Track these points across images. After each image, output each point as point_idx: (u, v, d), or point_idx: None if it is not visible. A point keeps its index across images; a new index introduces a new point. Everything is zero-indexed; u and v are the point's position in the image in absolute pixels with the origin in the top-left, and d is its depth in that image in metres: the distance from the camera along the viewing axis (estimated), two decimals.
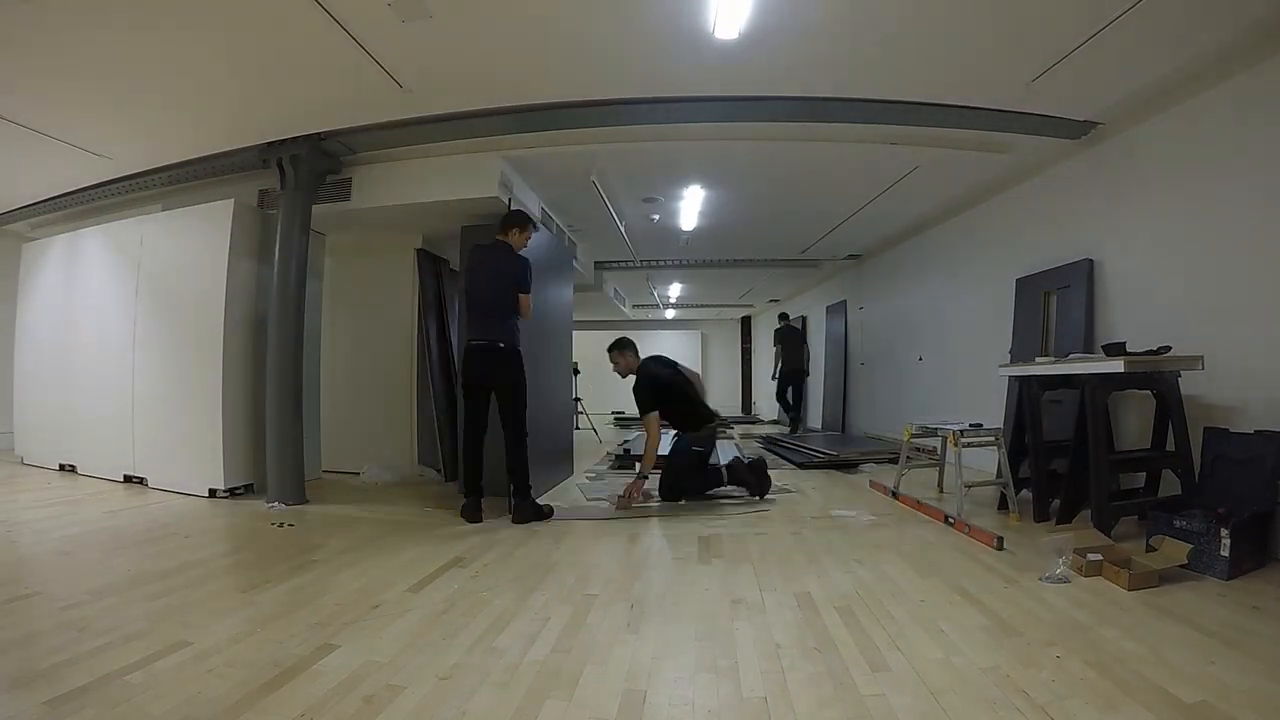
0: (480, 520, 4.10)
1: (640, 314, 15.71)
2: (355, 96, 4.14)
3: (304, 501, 4.65)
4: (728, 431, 11.26)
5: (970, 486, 4.29)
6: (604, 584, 2.88)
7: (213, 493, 4.76)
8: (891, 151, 4.97)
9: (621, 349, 5.05)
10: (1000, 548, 3.12)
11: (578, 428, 11.09)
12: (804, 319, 12.56)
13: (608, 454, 7.76)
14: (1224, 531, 2.83)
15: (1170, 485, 3.74)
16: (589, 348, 16.01)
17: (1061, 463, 4.03)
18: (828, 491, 5.11)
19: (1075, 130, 4.49)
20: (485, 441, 4.18)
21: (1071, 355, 4.05)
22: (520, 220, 4.38)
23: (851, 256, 9.35)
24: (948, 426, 4.50)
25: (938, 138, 4.70)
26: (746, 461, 5.12)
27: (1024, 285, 5.37)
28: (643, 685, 1.90)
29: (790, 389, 11.09)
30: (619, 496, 4.61)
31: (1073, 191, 4.90)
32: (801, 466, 6.63)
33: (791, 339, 11.17)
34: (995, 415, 5.12)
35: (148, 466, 5.18)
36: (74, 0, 3.10)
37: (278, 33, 3.40)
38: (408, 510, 4.49)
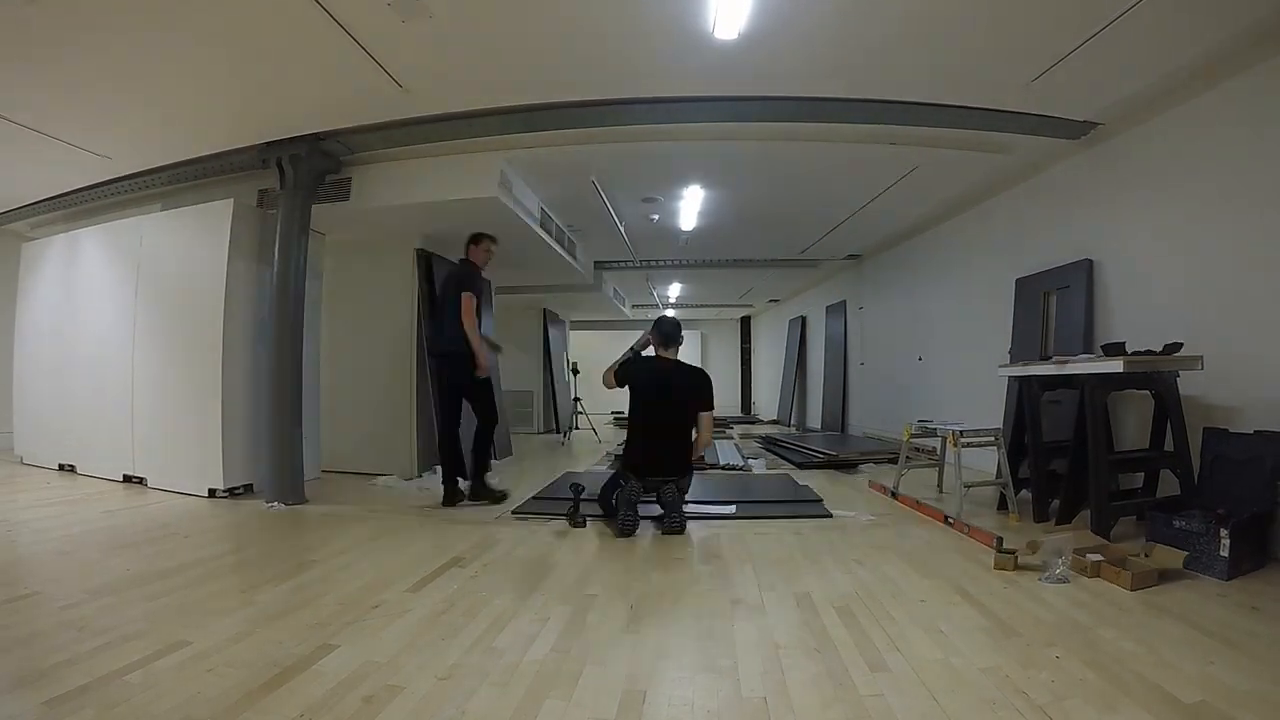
0: (454, 504, 4.55)
1: (640, 314, 15.70)
2: (355, 96, 4.15)
3: (304, 501, 4.65)
4: (727, 431, 11.28)
5: (970, 486, 4.29)
6: (603, 584, 2.88)
7: (212, 493, 4.76)
8: (891, 151, 4.97)
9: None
10: (1000, 548, 3.12)
11: (576, 427, 11.11)
12: (803, 319, 12.57)
13: (607, 454, 7.76)
14: (1223, 532, 2.83)
15: (1169, 485, 3.75)
16: (589, 348, 16.05)
17: (1061, 463, 4.03)
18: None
19: (1075, 130, 4.49)
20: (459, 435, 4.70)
21: (1057, 357, 4.04)
22: (473, 238, 4.79)
23: (851, 256, 9.35)
24: (947, 426, 4.51)
25: (937, 138, 4.70)
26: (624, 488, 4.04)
27: (1024, 285, 5.37)
28: (642, 685, 1.91)
29: None
30: None
31: (1072, 192, 4.90)
32: (801, 466, 6.63)
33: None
34: (995, 415, 5.13)
35: (147, 466, 5.17)
36: (75, 1, 3.10)
37: (277, 32, 3.40)
38: (407, 510, 4.49)
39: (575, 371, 10.80)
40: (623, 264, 9.76)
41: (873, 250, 8.92)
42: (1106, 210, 4.53)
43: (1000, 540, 3.20)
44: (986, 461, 5.09)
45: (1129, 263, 4.34)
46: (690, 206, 6.70)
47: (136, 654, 2.06)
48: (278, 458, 4.68)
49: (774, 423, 13.36)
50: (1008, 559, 3.04)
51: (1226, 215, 3.65)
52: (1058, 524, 3.85)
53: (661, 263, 9.78)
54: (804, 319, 12.58)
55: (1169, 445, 3.71)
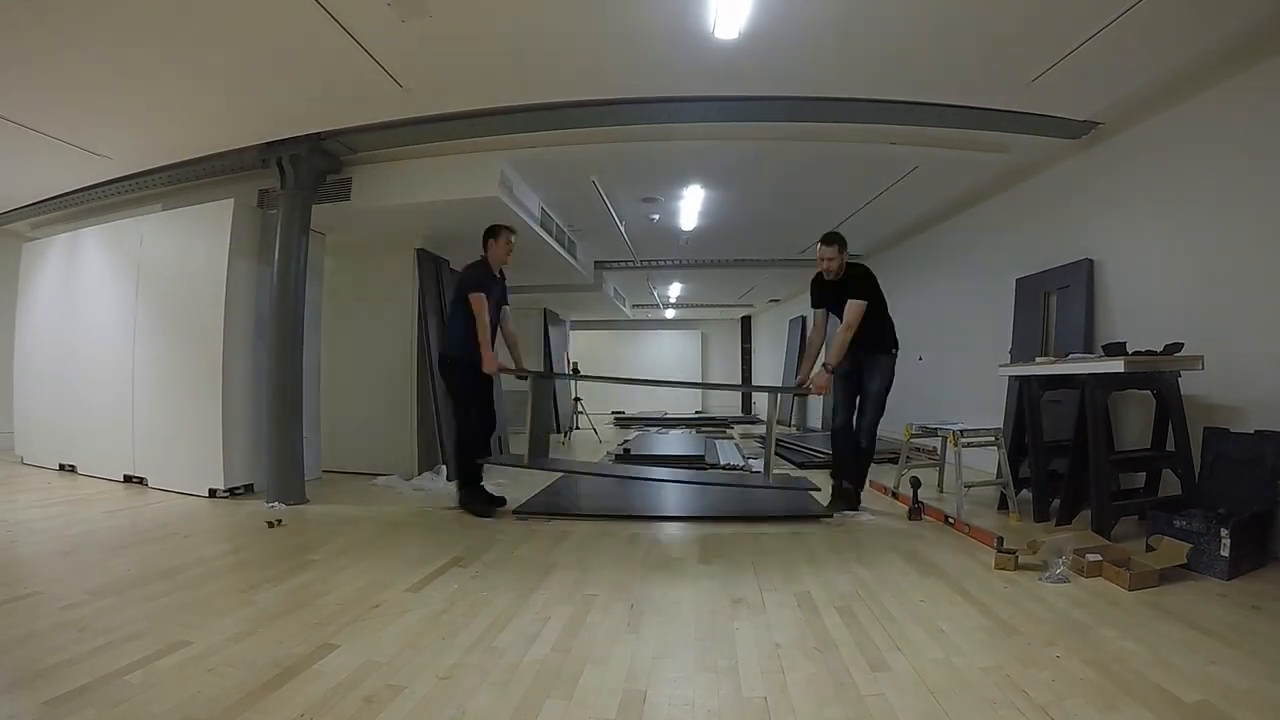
0: (487, 508, 4.38)
1: (640, 314, 15.72)
2: (355, 96, 4.14)
3: (304, 501, 4.65)
4: (727, 431, 11.29)
5: (970, 486, 4.29)
6: (604, 583, 2.88)
7: (213, 493, 4.75)
8: (891, 151, 4.97)
9: (842, 246, 4.51)
10: (1001, 548, 3.12)
11: (577, 427, 11.12)
12: (804, 319, 12.56)
13: (608, 454, 7.76)
14: (1224, 531, 2.83)
15: (1170, 485, 3.74)
16: (590, 347, 16.03)
17: (1061, 463, 4.03)
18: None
19: (1075, 130, 4.48)
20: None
21: (1071, 355, 4.05)
22: (489, 232, 4.53)
23: (852, 256, 9.32)
24: (948, 426, 4.50)
25: (938, 137, 4.70)
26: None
27: (1024, 285, 5.37)
28: (643, 685, 1.91)
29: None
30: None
31: (1073, 191, 4.90)
32: (801, 466, 6.63)
33: None
34: (995, 415, 5.12)
35: (148, 466, 5.17)
36: (73, 1, 3.10)
37: (277, 32, 3.40)
38: (407, 510, 4.49)
39: (576, 372, 10.81)
40: (623, 264, 9.76)
41: (872, 250, 8.91)
42: (1107, 210, 4.53)
43: (1001, 540, 3.20)
44: (986, 461, 5.08)
45: (1129, 262, 4.34)
46: (690, 206, 6.70)
47: (137, 654, 2.06)
48: (278, 458, 4.68)
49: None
50: (1008, 559, 3.04)
51: (1227, 214, 3.65)
52: (1058, 524, 3.85)
53: (662, 262, 9.79)
54: (804, 319, 12.56)
55: (1170, 445, 3.70)
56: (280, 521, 4.01)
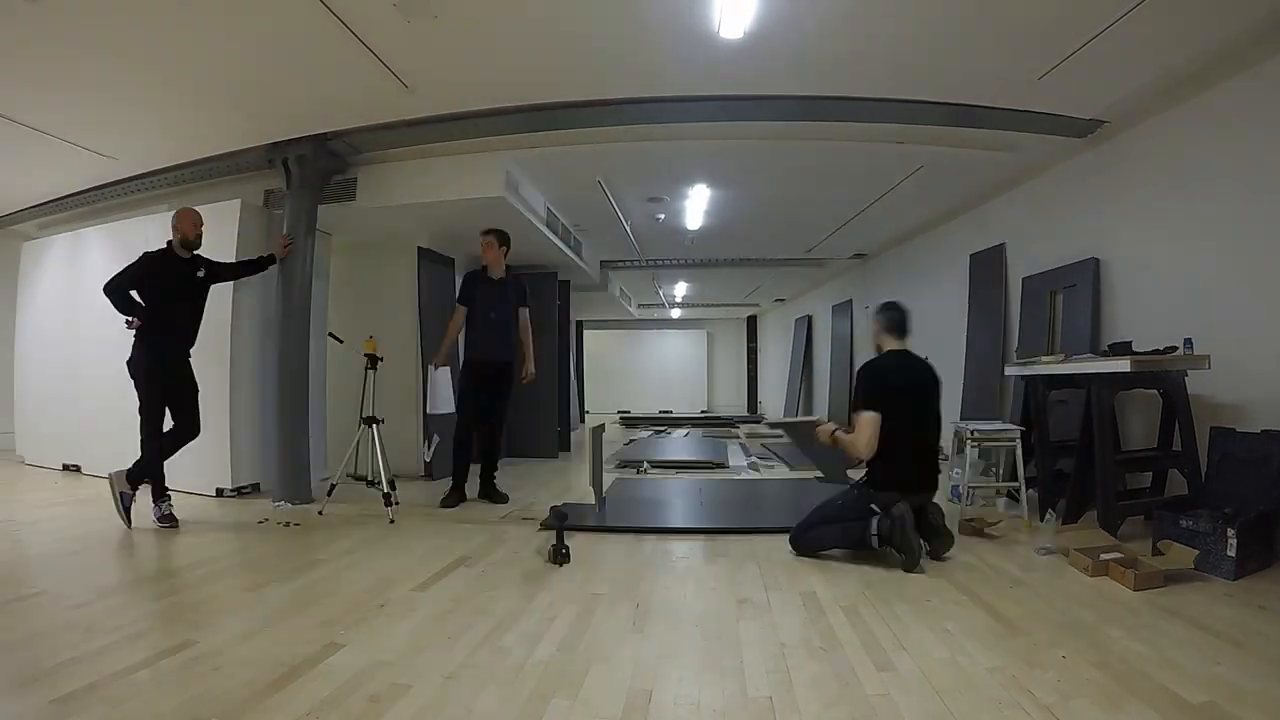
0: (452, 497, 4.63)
1: (646, 313, 15.71)
2: (360, 97, 4.16)
3: (311, 500, 4.66)
4: (733, 430, 11.27)
5: (974, 487, 4.27)
6: (609, 583, 2.89)
7: (220, 492, 4.77)
8: (898, 150, 4.95)
9: None
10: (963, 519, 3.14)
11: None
12: (809, 318, 12.55)
13: (612, 454, 7.74)
14: (1230, 531, 2.81)
15: (1177, 485, 3.73)
16: (593, 347, 16.02)
17: (1067, 462, 4.01)
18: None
19: (1081, 128, 4.47)
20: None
21: (1076, 356, 4.03)
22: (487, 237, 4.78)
23: (857, 255, 9.33)
24: (967, 426, 4.47)
25: (943, 136, 4.68)
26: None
27: (1030, 284, 5.35)
28: (648, 685, 1.91)
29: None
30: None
31: (1078, 190, 4.87)
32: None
33: None
34: (1001, 414, 5.10)
35: None
36: (80, 2, 3.11)
37: (283, 33, 3.41)
38: (414, 510, 4.50)
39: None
40: (629, 263, 9.76)
41: (879, 249, 8.90)
42: (1113, 208, 4.51)
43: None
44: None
45: (1135, 261, 4.31)
46: (696, 206, 6.69)
47: (144, 652, 2.07)
48: (284, 457, 4.69)
49: None
50: (969, 525, 3.64)
51: (1234, 212, 3.62)
52: (1064, 523, 3.83)
53: (668, 262, 9.78)
54: (810, 318, 12.55)
55: (1176, 445, 3.68)
56: (297, 524, 4.02)
